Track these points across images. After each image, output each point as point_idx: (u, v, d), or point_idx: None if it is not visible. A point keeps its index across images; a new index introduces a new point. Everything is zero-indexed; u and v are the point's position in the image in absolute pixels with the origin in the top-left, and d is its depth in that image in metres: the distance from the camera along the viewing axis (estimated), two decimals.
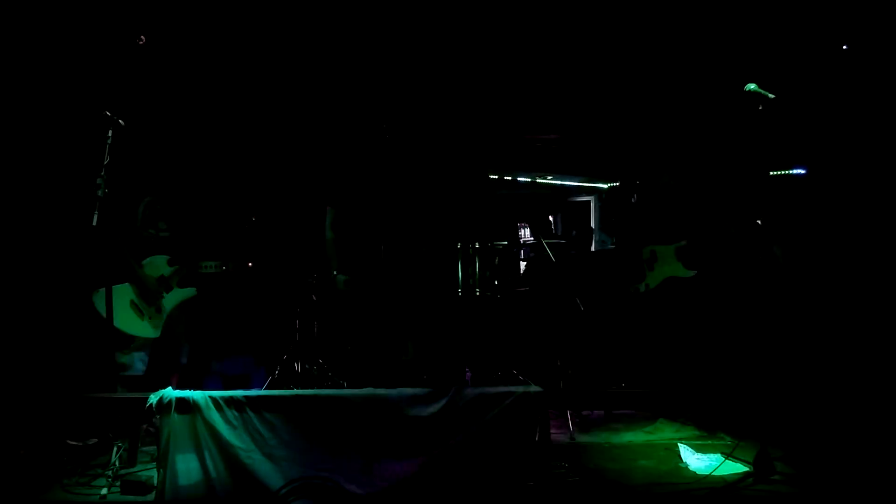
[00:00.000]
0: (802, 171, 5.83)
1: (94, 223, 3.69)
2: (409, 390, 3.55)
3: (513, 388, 3.55)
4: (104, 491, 3.44)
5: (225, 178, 6.11)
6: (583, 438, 4.42)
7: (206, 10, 6.15)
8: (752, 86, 3.87)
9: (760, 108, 3.84)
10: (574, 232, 8.08)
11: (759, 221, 4.41)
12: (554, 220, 8.37)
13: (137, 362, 4.51)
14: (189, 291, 4.77)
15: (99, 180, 3.75)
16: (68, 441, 4.18)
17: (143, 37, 4.48)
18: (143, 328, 4.51)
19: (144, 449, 3.84)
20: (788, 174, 5.84)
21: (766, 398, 3.82)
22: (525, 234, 6.46)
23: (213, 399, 3.42)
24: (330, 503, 3.32)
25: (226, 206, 4.93)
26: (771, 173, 5.20)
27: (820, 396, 4.29)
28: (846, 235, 5.31)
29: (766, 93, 3.83)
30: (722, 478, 3.53)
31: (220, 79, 6.45)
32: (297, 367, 5.44)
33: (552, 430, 4.07)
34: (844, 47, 5.40)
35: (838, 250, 5.27)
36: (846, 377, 4.49)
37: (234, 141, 6.58)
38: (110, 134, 3.86)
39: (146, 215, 4.75)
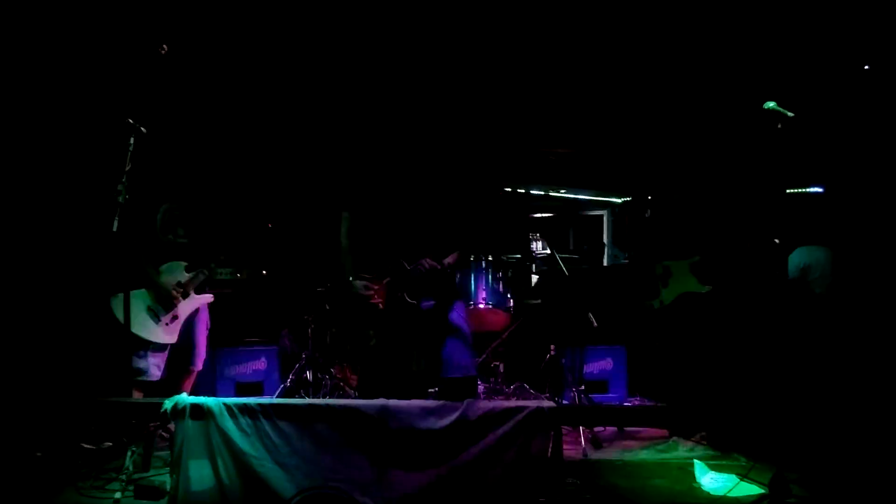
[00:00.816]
0: (820, 190, 5.80)
1: (115, 229, 3.72)
2: (421, 402, 3.54)
3: (525, 403, 3.54)
4: (118, 495, 3.45)
5: (242, 186, 6.16)
6: (595, 455, 4.39)
7: (225, 22, 6.22)
8: (771, 104, 3.85)
9: (779, 125, 3.82)
10: (585, 246, 8.06)
11: (776, 240, 4.39)
12: (566, 233, 8.36)
13: (153, 367, 4.53)
14: (205, 297, 4.79)
15: (120, 186, 3.78)
16: (83, 444, 4.21)
17: (164, 46, 4.53)
18: (159, 333, 4.53)
19: (158, 454, 3.85)
20: (805, 192, 5.81)
21: (783, 419, 3.79)
22: (537, 247, 6.45)
23: (227, 406, 3.43)
24: None
25: (242, 213, 4.96)
26: (788, 191, 5.18)
27: (838, 418, 4.25)
28: (862, 255, 5.28)
29: (786, 111, 3.81)
30: (737, 499, 3.50)
31: (238, 88, 6.51)
32: (309, 375, 5.47)
33: (564, 446, 4.05)
34: (866, 67, 5.39)
35: (855, 269, 5.24)
36: (865, 399, 4.45)
37: (252, 149, 6.64)
38: (132, 141, 3.89)
39: (164, 221, 4.78)
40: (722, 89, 6.25)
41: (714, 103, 6.08)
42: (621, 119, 6.91)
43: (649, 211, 5.06)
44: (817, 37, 5.81)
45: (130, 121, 3.91)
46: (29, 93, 5.27)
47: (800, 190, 5.88)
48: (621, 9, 6.56)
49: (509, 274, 5.31)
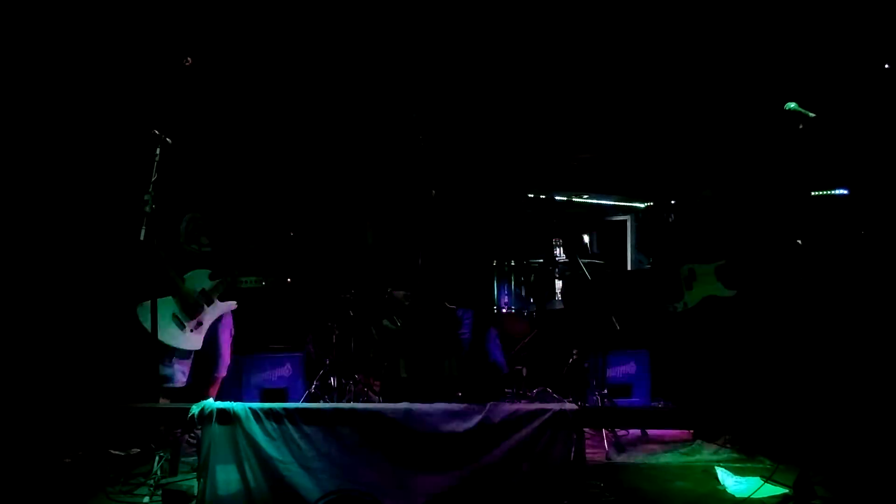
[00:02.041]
0: (845, 192, 5.74)
1: (142, 238, 3.78)
2: (444, 406, 3.57)
3: (548, 406, 3.55)
4: (146, 500, 3.52)
5: (265, 194, 6.23)
6: (618, 458, 4.39)
7: (250, 33, 6.31)
8: (792, 104, 3.83)
9: (801, 126, 3.79)
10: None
11: (799, 241, 4.37)
12: (589, 239, 8.33)
13: (178, 374, 4.60)
14: (229, 305, 4.85)
15: (147, 196, 3.84)
16: (111, 451, 4.29)
17: (189, 58, 4.61)
18: (184, 341, 4.60)
19: (185, 459, 3.91)
20: (830, 195, 5.75)
21: (808, 421, 3.76)
22: (560, 252, 6.44)
23: (253, 411, 3.48)
24: None
25: (265, 222, 5.02)
26: (812, 193, 5.13)
27: (863, 420, 4.20)
28: (890, 258, 5.21)
29: (807, 111, 3.79)
30: (761, 501, 3.49)
31: (261, 99, 6.60)
32: (333, 381, 5.51)
33: (588, 449, 4.05)
34: (886, 66, 5.33)
35: (881, 273, 5.18)
36: (891, 401, 4.40)
37: (275, 159, 6.71)
38: (158, 151, 3.96)
39: (189, 230, 4.85)
40: (743, 91, 6.22)
41: (736, 106, 6.05)
42: (643, 123, 6.89)
43: (672, 216, 5.04)
44: (837, 36, 5.77)
45: (156, 132, 3.98)
46: (57, 105, 5.39)
47: (825, 192, 5.82)
48: (643, 13, 6.56)
49: (532, 279, 5.32)
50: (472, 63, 6.46)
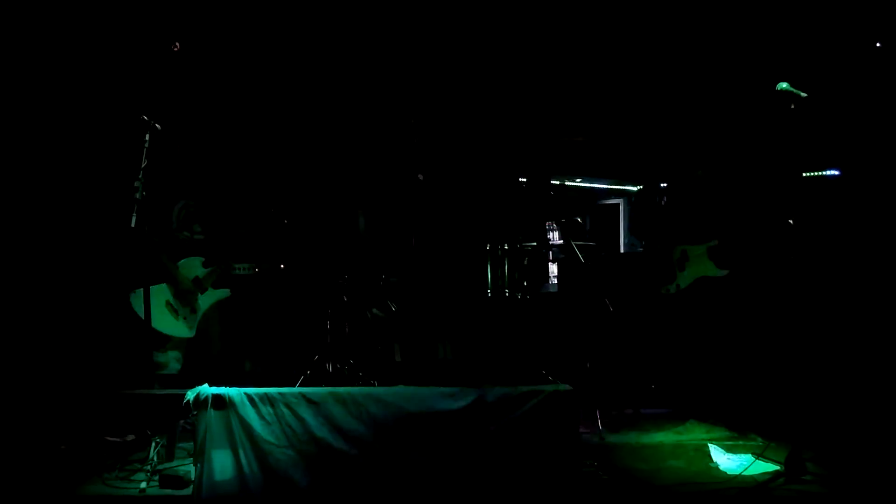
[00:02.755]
0: (836, 173, 5.75)
1: (133, 225, 3.77)
2: (439, 388, 3.58)
3: (542, 387, 3.56)
4: (143, 485, 3.53)
5: (258, 181, 6.21)
6: (612, 438, 4.41)
7: (240, 19, 6.27)
8: (783, 84, 3.82)
9: (793, 106, 3.79)
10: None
11: (790, 221, 4.38)
12: (583, 222, 8.33)
13: (173, 362, 4.61)
14: (223, 292, 4.86)
15: (137, 183, 3.82)
16: (107, 437, 4.30)
17: (177, 43, 4.58)
18: (178, 328, 4.61)
19: (181, 445, 3.92)
20: (822, 175, 5.76)
21: (798, 399, 3.79)
22: (554, 236, 6.46)
23: (248, 395, 3.49)
24: (360, 497, 3.36)
25: (258, 208, 5.01)
26: (804, 174, 5.14)
27: (853, 397, 4.24)
28: (881, 239, 5.23)
29: (799, 91, 3.79)
30: (753, 478, 3.52)
31: (251, 85, 6.56)
32: (329, 367, 5.52)
33: (581, 430, 4.07)
34: (878, 45, 5.33)
35: (872, 253, 5.20)
36: (880, 379, 4.44)
37: (267, 145, 6.69)
38: (147, 138, 3.94)
39: (181, 218, 4.84)
40: (735, 72, 6.21)
41: (727, 86, 6.05)
42: (635, 106, 6.89)
43: (665, 198, 5.05)
44: (828, 15, 5.76)
45: (145, 118, 3.96)
46: (45, 91, 5.35)
47: (816, 173, 5.84)
48: None
49: (525, 262, 5.33)
50: (462, 45, 6.44)
